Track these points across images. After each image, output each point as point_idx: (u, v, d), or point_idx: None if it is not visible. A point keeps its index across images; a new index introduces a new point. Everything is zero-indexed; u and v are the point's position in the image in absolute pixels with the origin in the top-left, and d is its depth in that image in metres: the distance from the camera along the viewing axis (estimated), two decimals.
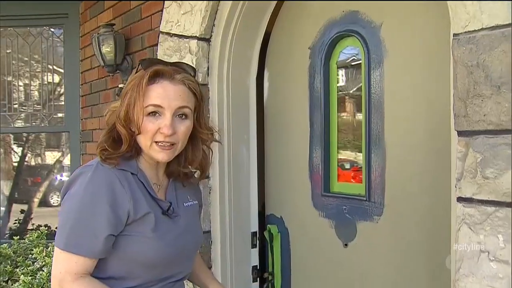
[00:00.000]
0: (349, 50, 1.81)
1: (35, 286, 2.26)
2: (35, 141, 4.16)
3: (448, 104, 1.25)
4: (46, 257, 2.46)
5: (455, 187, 1.15)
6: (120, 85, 2.50)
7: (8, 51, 3.41)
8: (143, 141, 1.19)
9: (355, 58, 1.79)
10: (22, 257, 2.58)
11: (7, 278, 2.56)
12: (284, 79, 2.09)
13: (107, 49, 2.43)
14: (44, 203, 4.13)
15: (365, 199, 1.71)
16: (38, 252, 2.48)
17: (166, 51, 2.21)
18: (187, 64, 1.27)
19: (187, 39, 2.08)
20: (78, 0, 3.10)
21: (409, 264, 1.59)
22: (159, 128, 1.16)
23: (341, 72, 1.87)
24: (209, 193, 2.09)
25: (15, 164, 4.16)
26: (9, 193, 3.96)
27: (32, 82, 3.56)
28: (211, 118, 2.07)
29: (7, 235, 3.56)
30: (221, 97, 2.09)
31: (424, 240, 1.54)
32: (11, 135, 3.97)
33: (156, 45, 2.30)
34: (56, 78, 3.55)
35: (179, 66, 1.23)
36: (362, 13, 1.72)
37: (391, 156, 1.63)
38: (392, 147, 1.63)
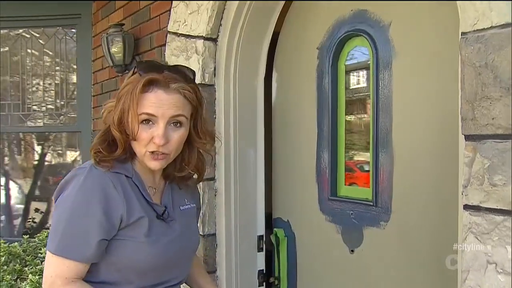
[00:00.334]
0: (357, 50, 1.76)
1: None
2: (53, 141, 4.18)
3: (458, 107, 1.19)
4: None
5: (462, 194, 1.09)
6: None
7: (22, 53, 3.45)
8: (138, 148, 1.16)
9: (364, 58, 1.73)
10: (31, 256, 2.59)
11: (16, 277, 2.58)
12: (292, 80, 2.04)
13: (116, 49, 2.42)
14: None
15: (372, 203, 1.65)
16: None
17: (173, 51, 2.19)
18: (186, 67, 1.22)
19: (194, 39, 2.05)
20: (90, 0, 3.10)
21: (416, 273, 1.53)
22: (152, 137, 1.13)
23: (349, 73, 1.81)
24: (215, 195, 2.05)
25: (35, 163, 4.20)
26: (28, 191, 3.99)
27: (46, 82, 3.58)
28: (217, 119, 2.04)
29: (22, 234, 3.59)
30: (228, 98, 2.05)
31: (432, 248, 1.47)
32: (33, 135, 3.99)
33: (164, 45, 2.29)
34: (70, 79, 3.57)
35: (177, 71, 1.18)
36: (370, 12, 1.66)
37: (399, 160, 1.57)
38: (400, 151, 1.57)
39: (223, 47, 2.03)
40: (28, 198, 3.96)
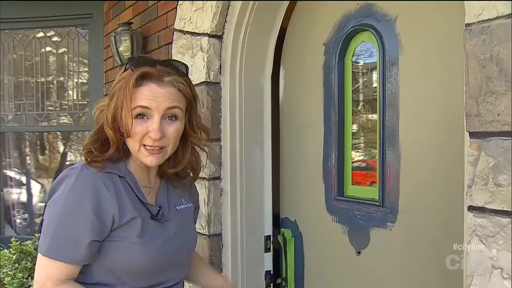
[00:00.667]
0: (364, 45, 1.70)
1: None
2: (75, 140, 4.22)
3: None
4: None
5: (466, 194, 1.03)
6: None
7: (37, 53, 3.49)
8: (132, 144, 1.13)
9: (370, 54, 1.68)
10: None
11: (27, 275, 2.60)
12: (299, 77, 2.00)
13: (123, 48, 2.41)
14: None
15: (378, 204, 1.60)
16: None
17: (179, 49, 2.17)
18: (179, 61, 1.20)
19: (199, 37, 2.03)
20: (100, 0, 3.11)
21: (423, 276, 1.47)
22: (147, 132, 1.11)
23: (356, 69, 1.76)
24: (220, 195, 2.02)
25: (55, 162, 4.24)
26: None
27: (62, 81, 3.61)
28: (222, 117, 2.01)
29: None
30: (233, 96, 2.02)
31: (439, 250, 1.41)
32: (58, 133, 4.03)
33: (171, 43, 2.27)
34: (82, 78, 3.60)
35: (169, 65, 1.16)
36: (377, 5, 1.61)
37: (406, 159, 1.51)
38: (407, 149, 1.51)
39: (229, 44, 2.00)
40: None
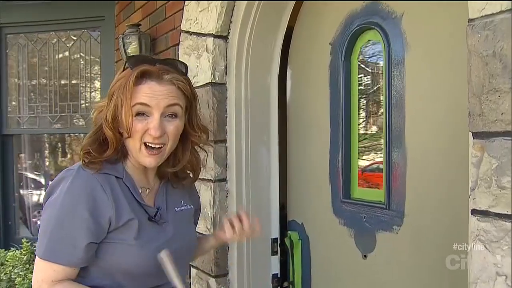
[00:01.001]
0: (370, 44, 1.66)
1: None
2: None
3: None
4: None
5: (469, 197, 0.99)
6: None
7: (51, 56, 3.52)
8: (132, 144, 1.12)
9: (376, 52, 1.64)
10: None
11: None
12: (305, 77, 1.96)
13: (131, 50, 2.42)
14: None
15: (384, 207, 1.55)
16: None
17: (185, 50, 2.16)
18: (178, 60, 1.19)
19: (204, 37, 2.01)
20: (111, 0, 3.13)
21: (430, 280, 1.42)
22: (147, 129, 1.09)
23: (362, 68, 1.72)
24: (226, 197, 2.00)
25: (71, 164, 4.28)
26: None
27: (72, 84, 3.64)
28: (228, 118, 1.99)
29: None
30: (239, 96, 1.99)
31: (446, 253, 1.35)
32: (72, 135, 4.07)
33: (178, 44, 2.26)
34: (95, 80, 3.62)
35: (168, 64, 1.15)
36: (382, 3, 1.57)
37: (412, 160, 1.47)
38: (413, 151, 1.46)
39: (234, 45, 1.98)
40: None
